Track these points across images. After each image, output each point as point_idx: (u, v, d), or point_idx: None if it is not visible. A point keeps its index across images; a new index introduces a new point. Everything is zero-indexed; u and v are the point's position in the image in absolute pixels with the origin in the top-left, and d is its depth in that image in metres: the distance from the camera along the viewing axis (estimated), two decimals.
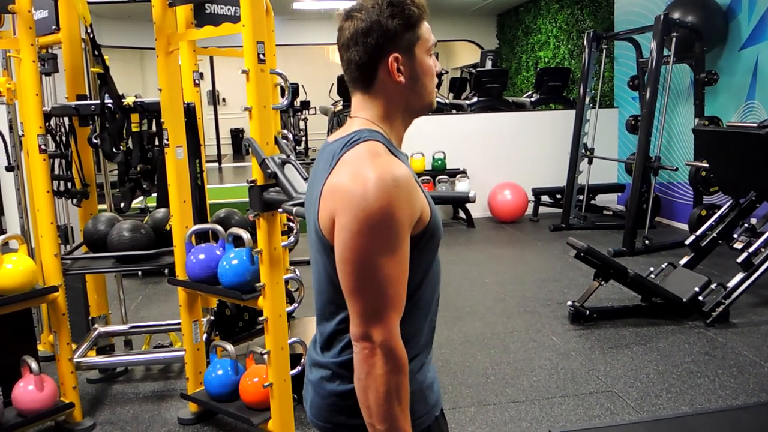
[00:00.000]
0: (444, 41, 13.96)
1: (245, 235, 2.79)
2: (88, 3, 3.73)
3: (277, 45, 3.98)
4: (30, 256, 3.17)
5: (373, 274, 1.19)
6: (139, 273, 5.81)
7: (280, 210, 2.60)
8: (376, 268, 1.19)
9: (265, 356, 2.76)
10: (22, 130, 3.03)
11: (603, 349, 3.98)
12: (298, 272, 3.64)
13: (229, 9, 3.33)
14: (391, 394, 1.21)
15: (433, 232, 1.29)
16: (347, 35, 1.30)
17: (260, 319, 2.73)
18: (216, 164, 13.62)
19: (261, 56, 2.54)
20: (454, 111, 9.21)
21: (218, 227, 2.99)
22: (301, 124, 13.17)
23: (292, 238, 3.11)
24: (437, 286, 1.40)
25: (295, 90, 12.28)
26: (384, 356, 1.20)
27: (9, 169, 3.64)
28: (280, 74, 2.99)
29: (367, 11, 1.28)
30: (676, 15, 6.20)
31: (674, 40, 6.04)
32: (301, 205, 2.33)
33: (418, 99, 1.35)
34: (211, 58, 13.26)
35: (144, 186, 3.31)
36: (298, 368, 2.92)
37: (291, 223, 3.57)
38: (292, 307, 3.08)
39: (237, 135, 15.18)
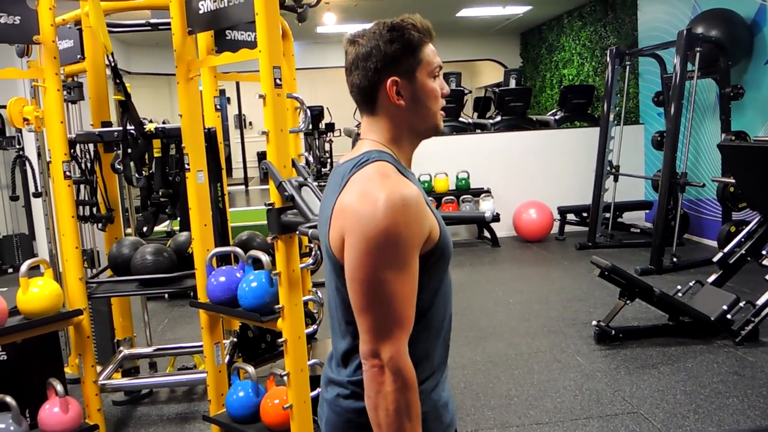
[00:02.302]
0: (468, 61, 14.02)
1: (264, 258, 2.81)
2: (118, 32, 3.84)
3: (301, 68, 4.05)
4: (57, 280, 3.23)
5: (381, 292, 1.20)
6: (166, 296, 5.88)
7: (297, 232, 2.63)
8: (385, 286, 1.20)
9: (285, 378, 2.77)
10: (50, 157, 3.11)
11: (629, 369, 3.92)
12: (320, 294, 3.65)
13: (249, 35, 3.40)
14: (401, 412, 1.21)
15: (442, 251, 1.31)
16: (350, 59, 1.34)
17: (279, 340, 2.74)
18: (243, 187, 13.77)
19: (277, 81, 2.58)
20: (477, 130, 9.22)
21: (238, 250, 3.02)
22: (326, 146, 13.27)
23: (311, 260, 3.12)
24: (449, 305, 1.41)
25: (319, 112, 12.41)
26: (392, 374, 1.21)
27: (36, 195, 3.72)
28: (297, 98, 3.02)
29: (369, 37, 1.32)
30: (699, 30, 6.15)
31: (698, 54, 5.98)
32: (316, 227, 2.35)
33: (421, 121, 1.37)
34: (237, 83, 13.48)
35: (167, 210, 3.36)
36: (318, 390, 2.92)
37: (312, 245, 3.59)
38: (311, 329, 3.09)
39: (263, 158, 15.34)
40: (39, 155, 3.94)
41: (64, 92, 3.32)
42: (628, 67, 7.43)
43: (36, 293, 2.90)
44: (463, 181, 7.95)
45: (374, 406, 1.23)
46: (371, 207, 1.20)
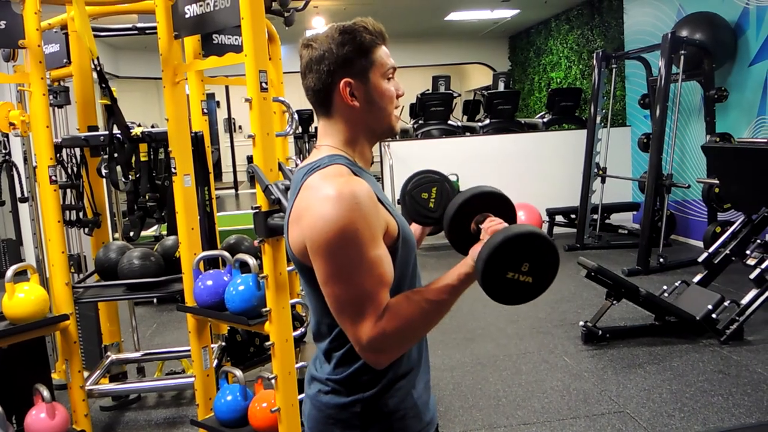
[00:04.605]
0: (457, 64, 14.06)
1: (251, 261, 2.82)
2: (105, 36, 3.84)
3: (290, 72, 4.05)
4: (44, 285, 3.22)
5: (352, 292, 1.23)
6: (154, 300, 5.86)
7: (284, 235, 2.63)
8: (354, 284, 1.22)
9: (273, 381, 2.77)
10: (36, 162, 3.10)
11: (615, 369, 3.95)
12: None
13: (236, 39, 3.41)
14: (416, 322, 1.26)
15: (404, 245, 1.34)
16: (304, 63, 1.37)
17: (267, 344, 2.75)
18: (233, 191, 13.76)
19: (263, 85, 2.59)
20: (467, 133, 9.24)
21: (225, 254, 3.02)
22: None
23: None
24: None
25: (309, 116, 12.40)
26: (386, 346, 1.24)
27: (23, 200, 3.71)
28: (283, 102, 3.04)
29: (321, 40, 1.35)
30: (684, 33, 6.21)
31: (683, 57, 6.04)
32: None
33: (376, 122, 1.39)
34: (227, 87, 13.46)
35: (154, 214, 3.35)
36: None
37: None
38: (299, 332, 3.09)
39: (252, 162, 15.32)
40: (25, 160, 3.93)
41: (50, 96, 3.31)
42: (614, 70, 7.48)
43: (22, 298, 2.89)
44: (453, 184, 7.95)
45: (411, 343, 1.33)
46: (324, 211, 1.22)
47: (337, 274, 1.23)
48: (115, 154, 3.20)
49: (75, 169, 3.53)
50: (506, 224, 1.34)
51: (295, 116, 3.25)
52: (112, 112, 3.11)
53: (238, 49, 3.27)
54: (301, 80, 1.38)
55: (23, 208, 4.12)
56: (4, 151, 3.81)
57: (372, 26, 1.35)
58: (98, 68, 3.04)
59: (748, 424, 3.17)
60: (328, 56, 1.33)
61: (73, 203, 3.55)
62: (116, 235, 4.22)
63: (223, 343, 3.71)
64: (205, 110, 3.50)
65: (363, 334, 1.22)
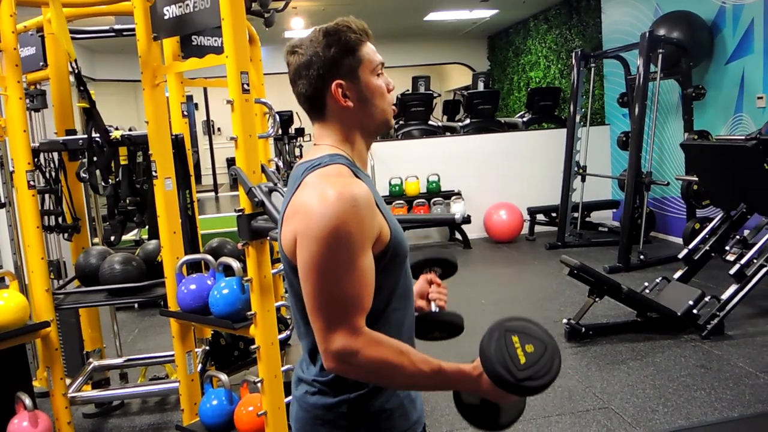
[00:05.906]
0: (436, 64, 14.10)
1: (235, 264, 2.80)
2: (82, 38, 3.79)
3: (270, 73, 4.03)
4: (23, 292, 3.18)
5: (331, 292, 1.22)
6: (136, 305, 5.80)
7: (268, 238, 2.62)
8: (335, 286, 1.21)
9: (259, 385, 2.75)
10: (13, 167, 3.06)
11: (599, 365, 3.98)
12: None
13: (216, 41, 3.38)
14: (383, 372, 1.24)
15: (395, 251, 1.32)
16: (292, 70, 1.36)
17: (252, 347, 2.73)
18: (212, 193, 13.66)
19: (245, 86, 2.57)
20: (447, 133, 9.26)
21: (209, 257, 3.00)
22: (296, 151, 13.22)
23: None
24: (409, 304, 1.43)
25: (289, 117, 12.36)
26: (353, 363, 1.23)
27: (0, 205, 3.66)
28: (265, 103, 3.02)
29: (307, 45, 1.34)
30: (661, 32, 6.28)
31: (660, 56, 6.10)
32: None
33: (371, 119, 1.39)
34: (205, 89, 13.38)
35: (134, 218, 3.32)
36: None
37: None
38: (284, 335, 3.08)
39: (233, 164, 15.22)
40: (2, 165, 3.87)
41: (27, 100, 3.27)
42: (593, 69, 7.54)
43: (1, 306, 2.85)
44: (434, 184, 7.99)
45: (376, 383, 1.30)
46: (321, 207, 1.21)
47: (321, 272, 1.21)
48: (95, 158, 3.17)
49: (53, 173, 3.48)
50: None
51: (277, 118, 3.24)
52: (91, 115, 3.07)
53: (217, 50, 3.24)
54: (292, 88, 1.37)
55: (0, 214, 4.06)
56: None
57: (355, 24, 1.35)
58: (76, 71, 3.00)
59: (731, 418, 3.21)
60: (315, 60, 1.32)
61: (51, 208, 3.51)
62: (96, 240, 4.17)
63: (207, 348, 3.67)
64: (186, 112, 3.47)
65: (335, 340, 1.22)
